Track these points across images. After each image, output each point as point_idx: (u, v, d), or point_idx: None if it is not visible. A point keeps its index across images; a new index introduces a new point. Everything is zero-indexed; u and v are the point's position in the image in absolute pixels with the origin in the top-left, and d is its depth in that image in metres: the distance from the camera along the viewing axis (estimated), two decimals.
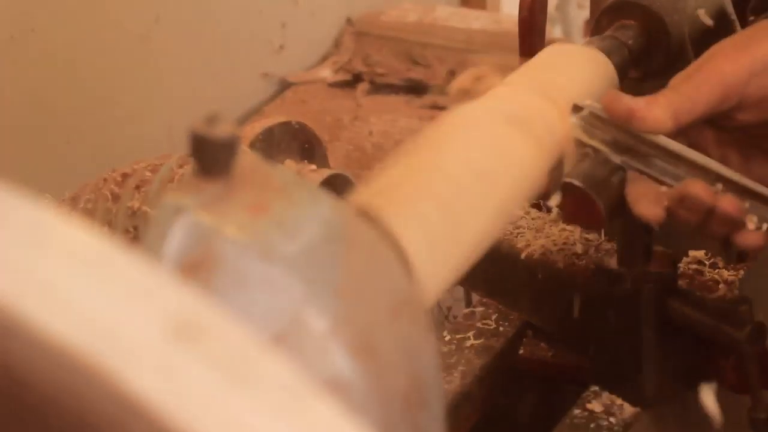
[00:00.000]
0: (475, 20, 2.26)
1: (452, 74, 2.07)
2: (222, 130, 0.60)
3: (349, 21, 2.38)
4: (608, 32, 1.14)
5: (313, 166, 1.16)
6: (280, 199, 0.63)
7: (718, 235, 0.98)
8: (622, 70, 1.10)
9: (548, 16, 1.34)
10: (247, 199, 0.61)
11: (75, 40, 1.87)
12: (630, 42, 1.13)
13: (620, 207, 1.02)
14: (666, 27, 1.15)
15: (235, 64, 2.20)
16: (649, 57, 1.16)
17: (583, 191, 0.99)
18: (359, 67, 2.27)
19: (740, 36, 1.04)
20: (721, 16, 1.23)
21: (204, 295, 0.57)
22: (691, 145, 1.00)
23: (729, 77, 0.98)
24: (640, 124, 0.97)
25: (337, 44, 2.36)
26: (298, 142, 1.16)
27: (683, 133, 0.99)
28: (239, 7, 2.19)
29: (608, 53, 1.08)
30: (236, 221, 0.61)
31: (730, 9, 1.22)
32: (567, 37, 2.32)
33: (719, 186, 0.97)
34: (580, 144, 0.99)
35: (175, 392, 0.43)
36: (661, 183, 0.98)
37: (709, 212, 0.96)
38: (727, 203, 0.96)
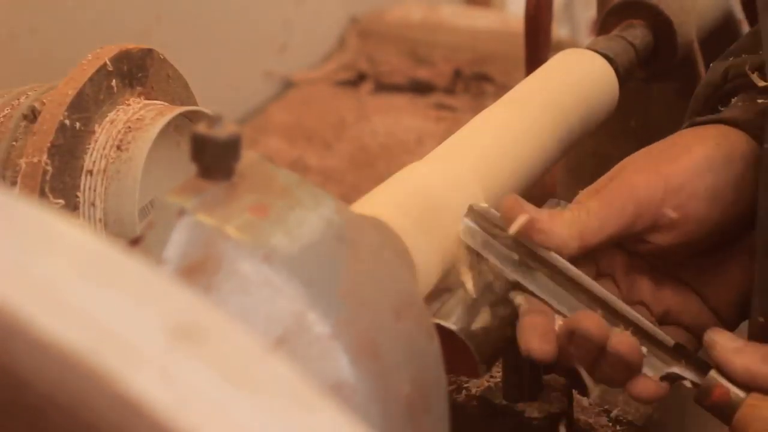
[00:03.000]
0: (480, 19, 2.25)
1: (458, 74, 2.07)
2: (224, 131, 0.60)
3: (353, 19, 2.38)
4: (615, 32, 1.14)
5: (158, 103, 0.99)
6: (282, 200, 0.62)
7: (613, 380, 0.84)
8: (628, 71, 1.09)
9: (554, 15, 1.33)
10: (249, 201, 0.61)
11: (75, 40, 1.86)
12: (637, 42, 1.12)
13: (501, 351, 0.87)
14: (673, 27, 1.15)
15: (238, 64, 2.19)
16: (656, 57, 1.15)
17: (456, 335, 0.82)
18: (363, 66, 2.27)
19: (656, 147, 0.92)
20: (727, 17, 1.23)
21: (206, 298, 0.57)
22: (599, 271, 0.89)
23: (642, 192, 0.87)
24: (541, 239, 0.84)
25: (341, 43, 2.35)
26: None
27: (590, 256, 0.88)
28: (241, 6, 2.18)
29: (615, 53, 1.08)
30: (238, 222, 0.60)
31: (738, 9, 1.22)
32: (573, 37, 2.32)
33: (621, 327, 0.84)
34: (473, 252, 0.85)
35: (177, 395, 0.43)
36: (557, 312, 0.84)
37: (601, 352, 0.83)
38: (621, 342, 0.83)
